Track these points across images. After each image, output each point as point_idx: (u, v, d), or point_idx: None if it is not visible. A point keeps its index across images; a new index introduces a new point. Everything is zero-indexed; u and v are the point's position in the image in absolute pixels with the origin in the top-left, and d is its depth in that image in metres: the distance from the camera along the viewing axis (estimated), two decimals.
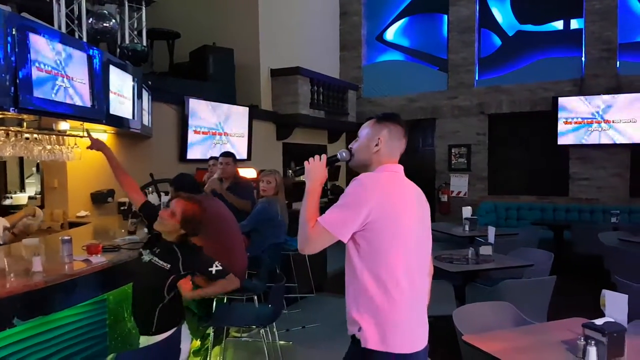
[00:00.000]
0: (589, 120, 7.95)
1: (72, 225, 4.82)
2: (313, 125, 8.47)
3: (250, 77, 7.72)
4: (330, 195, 9.25)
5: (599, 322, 2.13)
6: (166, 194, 4.71)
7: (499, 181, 8.58)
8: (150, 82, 5.78)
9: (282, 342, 4.01)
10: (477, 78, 8.92)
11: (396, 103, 9.46)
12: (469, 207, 5.98)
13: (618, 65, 7.82)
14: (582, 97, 7.97)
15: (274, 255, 3.92)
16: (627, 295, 2.12)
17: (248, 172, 6.32)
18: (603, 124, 7.86)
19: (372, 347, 1.70)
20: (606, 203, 7.85)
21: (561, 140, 8.17)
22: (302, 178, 1.86)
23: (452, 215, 8.36)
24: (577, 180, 8.20)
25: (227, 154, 4.69)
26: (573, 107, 8.04)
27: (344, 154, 1.87)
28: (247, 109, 7.21)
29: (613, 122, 7.77)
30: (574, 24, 8.30)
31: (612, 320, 2.13)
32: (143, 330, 2.46)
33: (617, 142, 7.79)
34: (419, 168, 8.64)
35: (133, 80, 4.93)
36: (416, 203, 1.81)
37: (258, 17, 7.67)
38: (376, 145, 1.82)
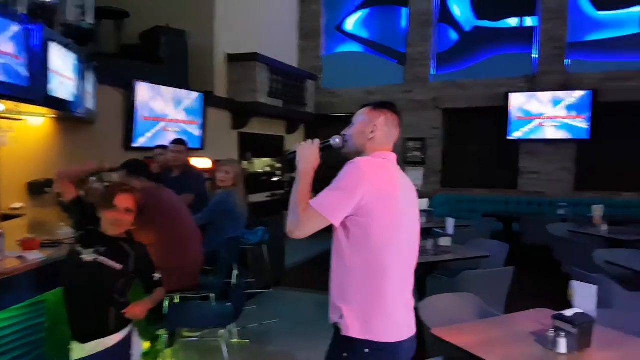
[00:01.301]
0: (539, 116, 8.16)
1: (5, 218, 4.30)
2: (271, 115, 8.27)
3: (205, 62, 7.40)
4: (287, 188, 9.10)
5: (568, 313, 2.11)
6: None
7: (452, 174, 8.70)
8: (96, 64, 5.41)
9: (237, 340, 3.84)
10: (433, 72, 8.98)
11: (354, 95, 9.39)
12: (426, 200, 5.98)
13: (567, 63, 8.06)
14: (533, 93, 8.18)
15: (232, 250, 3.73)
16: (596, 286, 2.12)
17: (202, 162, 6.07)
18: (552, 120, 8.09)
19: (353, 334, 1.67)
20: (553, 196, 8.11)
21: (512, 135, 8.37)
22: (293, 175, 1.80)
23: None
24: (526, 174, 8.43)
25: (179, 141, 4.47)
26: (524, 102, 8.25)
27: (337, 140, 1.85)
28: (201, 95, 6.92)
29: (561, 118, 8.02)
30: (528, 21, 8.49)
31: (581, 311, 2.12)
32: (80, 336, 2.23)
33: (564, 137, 8.04)
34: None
35: (77, 60, 4.58)
36: (409, 193, 1.81)
37: None
38: (372, 132, 1.81)
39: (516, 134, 8.35)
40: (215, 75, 7.48)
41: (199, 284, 3.15)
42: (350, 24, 9.78)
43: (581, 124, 7.89)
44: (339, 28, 9.87)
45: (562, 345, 2.03)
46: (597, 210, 5.48)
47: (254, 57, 7.48)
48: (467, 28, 8.95)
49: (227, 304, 2.97)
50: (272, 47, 8.23)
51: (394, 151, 1.86)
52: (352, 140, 1.84)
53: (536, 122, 8.18)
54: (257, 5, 8.35)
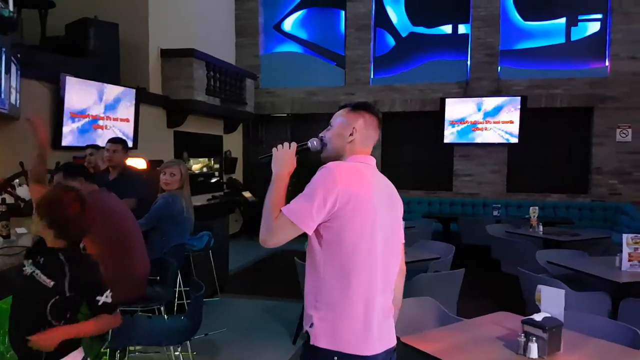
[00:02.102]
0: (472, 120, 8.47)
1: None
2: (209, 113, 7.96)
3: (138, 57, 6.97)
4: (227, 189, 8.82)
5: (537, 318, 2.12)
6: None
7: (390, 177, 8.71)
8: (19, 55, 4.91)
9: (183, 353, 3.60)
10: (372, 76, 9.07)
11: (296, 95, 9.30)
12: None
13: (499, 70, 8.42)
14: (466, 99, 8.47)
15: (178, 257, 3.49)
16: (563, 290, 2.14)
17: (136, 162, 5.70)
18: (484, 125, 8.42)
19: (321, 344, 1.59)
20: (486, 197, 8.44)
21: (447, 139, 8.62)
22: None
23: None
24: (461, 176, 8.71)
25: (117, 140, 4.16)
26: (458, 108, 8.52)
27: (315, 143, 1.79)
28: (133, 91, 6.51)
29: (493, 123, 8.36)
30: (462, 29, 8.78)
31: (549, 315, 2.14)
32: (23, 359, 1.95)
33: (496, 141, 8.39)
34: (318, 164, 8.49)
35: None
36: (386, 197, 1.75)
37: None
38: (350, 134, 1.75)
39: (451, 138, 8.61)
40: (149, 71, 7.07)
41: (145, 294, 2.90)
42: (289, 24, 9.66)
43: (511, 128, 8.27)
44: (278, 27, 9.72)
45: (534, 350, 2.04)
46: (534, 212, 5.72)
47: (190, 52, 7.16)
48: (403, 34, 9.11)
49: (182, 318, 2.72)
50: (208, 43, 7.93)
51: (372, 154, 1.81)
52: (330, 143, 1.77)
53: (469, 126, 8.47)
54: (192, 0, 8.02)
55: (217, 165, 9.00)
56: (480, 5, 8.45)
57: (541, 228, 5.59)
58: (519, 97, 8.15)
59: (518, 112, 8.15)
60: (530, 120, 8.16)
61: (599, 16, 8.09)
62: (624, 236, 3.47)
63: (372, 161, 1.79)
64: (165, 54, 7.19)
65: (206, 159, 8.76)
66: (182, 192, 3.70)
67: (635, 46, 7.76)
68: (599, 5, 8.08)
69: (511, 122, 8.26)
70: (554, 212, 8.01)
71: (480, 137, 8.45)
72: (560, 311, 2.12)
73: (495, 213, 7.21)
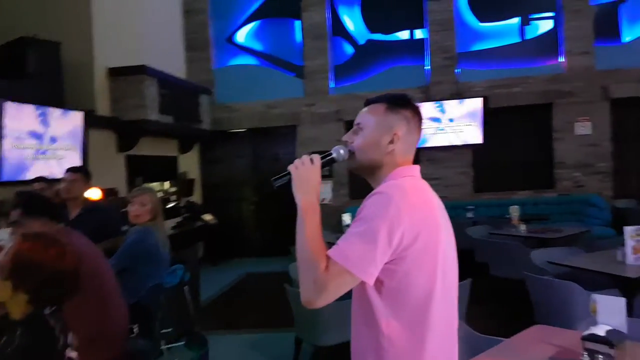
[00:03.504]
0: (436, 124, 8.39)
1: None
2: (163, 133, 7.46)
3: (83, 77, 6.42)
4: (186, 213, 8.27)
5: (597, 331, 1.88)
6: None
7: (359, 186, 8.59)
8: None
9: None
10: (333, 85, 8.85)
11: (254, 109, 8.93)
12: (349, 214, 5.73)
13: (459, 73, 8.41)
14: (428, 103, 8.38)
15: (157, 300, 3.03)
16: (624, 299, 1.91)
17: (90, 193, 5.14)
18: (447, 127, 8.35)
19: None
20: (455, 199, 8.34)
21: None
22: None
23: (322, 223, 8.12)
24: (428, 180, 8.11)
25: (76, 169, 3.69)
26: (421, 112, 8.40)
27: (341, 152, 1.43)
28: (80, 114, 5.95)
29: (456, 125, 8.31)
30: (419, 33, 8.73)
31: (610, 327, 1.90)
32: None
33: (460, 143, 8.34)
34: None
35: None
36: (443, 215, 1.38)
37: (90, 6, 6.45)
38: (390, 142, 1.39)
39: None
40: (96, 91, 6.53)
41: (127, 351, 2.43)
42: (242, 35, 9.32)
43: (474, 129, 8.24)
44: (231, 40, 9.35)
45: None
46: (515, 211, 5.61)
47: (141, 69, 6.67)
48: (361, 41, 8.97)
49: None
50: (158, 59, 7.44)
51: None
52: (363, 154, 1.41)
53: (433, 130, 8.39)
54: (138, 15, 7.54)
55: (173, 189, 8.46)
56: (435, 9, 8.44)
57: (524, 227, 5.49)
58: (480, 98, 8.14)
59: (480, 113, 8.13)
60: (492, 120, 8.17)
61: (551, 14, 8.26)
62: (626, 229, 3.36)
63: (419, 172, 1.44)
64: (114, 72, 6.67)
65: (162, 183, 8.23)
66: (156, 224, 3.25)
67: (586, 41, 7.94)
68: (550, 4, 8.25)
69: (474, 123, 8.24)
70: (523, 209, 7.98)
71: (445, 140, 8.37)
72: (622, 322, 1.89)
73: (470, 215, 7.10)
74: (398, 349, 1.25)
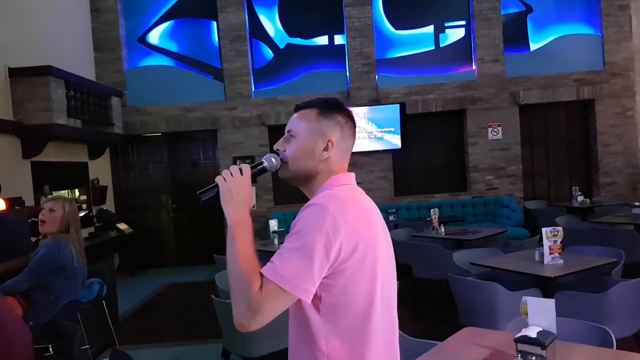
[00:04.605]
0: (357, 129, 8.49)
1: None
2: (71, 138, 6.93)
3: None
4: (97, 223, 7.75)
5: (529, 333, 1.96)
6: None
7: (282, 191, 8.53)
8: None
9: None
10: (254, 89, 8.71)
11: (170, 112, 8.56)
12: (275, 220, 5.64)
13: (377, 79, 8.61)
14: (349, 109, 8.47)
15: (73, 318, 2.78)
16: (553, 300, 2.00)
17: None
18: (368, 133, 8.52)
19: None
20: (377, 203, 8.45)
21: None
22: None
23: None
24: None
25: None
26: (354, 116, 8.49)
27: (273, 161, 1.35)
28: None
29: (375, 130, 8.50)
30: (338, 39, 8.83)
31: (541, 328, 1.98)
32: None
33: (380, 148, 8.54)
34: (203, 183, 7.89)
35: None
36: (380, 222, 1.35)
37: None
38: (325, 149, 1.34)
39: None
40: None
41: None
42: (155, 36, 8.90)
43: (393, 135, 8.48)
44: (143, 40, 8.90)
45: None
46: (434, 213, 5.82)
47: (46, 70, 6.15)
48: (281, 45, 8.91)
49: None
50: (63, 60, 6.90)
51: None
52: (295, 163, 1.34)
53: (355, 135, 8.49)
54: (41, 12, 6.95)
55: (84, 197, 7.90)
56: (353, 16, 8.58)
57: (443, 229, 5.71)
58: (398, 105, 8.39)
59: (398, 119, 8.37)
60: (409, 126, 8.46)
61: (463, 22, 8.69)
62: (544, 230, 3.55)
63: (354, 179, 1.41)
64: (15, 73, 6.10)
65: (71, 191, 7.65)
66: (69, 236, 2.97)
67: (496, 49, 8.45)
68: (462, 12, 8.67)
69: (392, 128, 8.47)
70: (440, 211, 8.33)
71: (366, 146, 8.52)
72: (552, 322, 1.98)
73: (392, 218, 7.28)
74: None
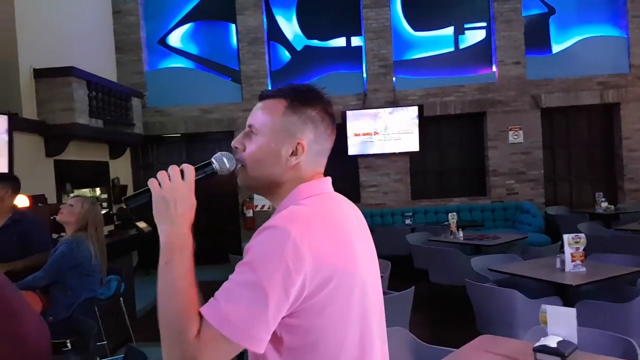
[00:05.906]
0: (373, 131, 8.48)
1: None
2: (93, 138, 7.04)
3: (7, 78, 5.97)
4: (117, 221, 7.83)
5: (548, 343, 1.92)
6: None
7: None
8: None
9: None
10: None
11: (189, 114, 8.65)
12: None
13: (394, 81, 8.56)
14: (366, 111, 8.47)
15: (91, 314, 2.83)
16: (574, 309, 1.95)
17: (17, 200, 4.73)
18: (384, 135, 8.47)
19: None
20: (392, 206, 8.48)
21: (351, 151, 8.54)
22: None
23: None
24: (367, 187, 8.68)
25: (3, 177, 3.39)
26: (359, 119, 8.49)
27: (225, 162, 1.06)
28: (4, 117, 5.49)
29: (392, 132, 8.44)
30: (355, 41, 8.81)
31: (561, 338, 1.94)
32: None
33: (397, 151, 8.47)
34: (219, 183, 7.93)
35: None
36: (361, 235, 1.08)
37: (13, 4, 5.99)
38: (293, 154, 1.05)
39: (354, 150, 8.53)
40: (21, 93, 6.08)
41: None
42: (175, 38, 9.00)
43: (411, 137, 8.42)
44: (163, 42, 9.00)
45: None
46: (452, 218, 5.75)
47: (69, 71, 6.27)
48: (298, 47, 8.93)
49: None
50: (86, 61, 7.04)
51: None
52: (255, 167, 1.06)
53: (371, 137, 8.48)
54: (65, 14, 7.09)
55: (104, 195, 8.02)
56: (371, 17, 8.55)
57: (461, 234, 5.64)
58: (416, 107, 8.33)
59: (416, 121, 8.31)
60: (428, 128, 8.39)
61: (484, 24, 8.59)
62: (565, 236, 3.48)
63: (330, 185, 1.12)
64: (40, 73, 6.25)
65: (92, 189, 7.77)
66: (88, 234, 3.02)
67: (517, 51, 8.33)
68: (483, 14, 8.58)
69: (410, 131, 8.41)
70: (458, 215, 8.25)
71: (382, 148, 8.48)
72: (572, 332, 1.94)
73: (408, 221, 7.23)
74: None
